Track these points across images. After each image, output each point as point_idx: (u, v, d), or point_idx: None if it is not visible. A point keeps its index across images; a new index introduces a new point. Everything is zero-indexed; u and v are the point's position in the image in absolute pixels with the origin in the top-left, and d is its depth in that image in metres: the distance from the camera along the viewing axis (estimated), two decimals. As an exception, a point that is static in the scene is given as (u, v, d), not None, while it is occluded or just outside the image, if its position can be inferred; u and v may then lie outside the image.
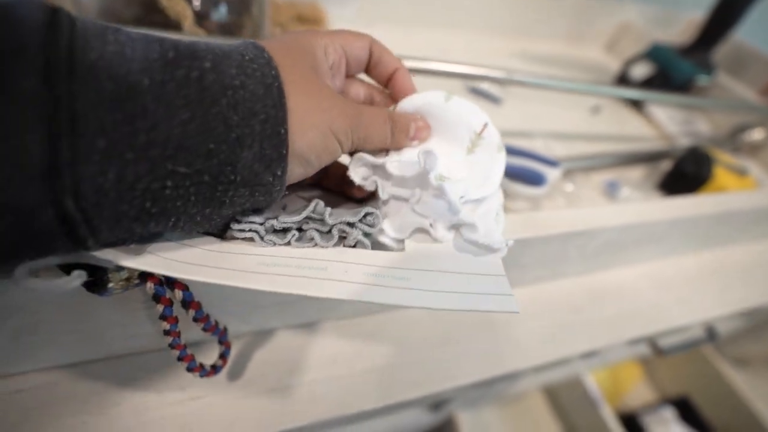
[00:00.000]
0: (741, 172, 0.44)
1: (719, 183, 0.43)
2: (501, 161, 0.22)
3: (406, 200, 0.21)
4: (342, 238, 0.19)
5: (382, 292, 0.16)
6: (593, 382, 0.77)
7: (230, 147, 0.14)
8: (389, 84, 0.23)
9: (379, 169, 0.21)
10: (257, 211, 0.18)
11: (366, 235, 0.19)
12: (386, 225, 0.20)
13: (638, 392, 0.92)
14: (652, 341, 0.56)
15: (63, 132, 0.11)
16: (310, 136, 0.17)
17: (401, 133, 0.22)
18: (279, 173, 0.16)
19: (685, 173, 0.45)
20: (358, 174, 0.21)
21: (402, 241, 0.20)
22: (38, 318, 0.19)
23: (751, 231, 0.42)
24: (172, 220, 0.14)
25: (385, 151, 0.22)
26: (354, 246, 0.19)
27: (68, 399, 0.22)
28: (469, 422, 0.70)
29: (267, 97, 0.15)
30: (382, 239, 0.20)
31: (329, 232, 0.19)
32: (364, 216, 0.19)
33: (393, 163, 0.20)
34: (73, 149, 0.11)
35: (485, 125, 0.22)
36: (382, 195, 0.21)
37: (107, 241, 0.13)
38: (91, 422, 0.21)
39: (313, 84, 0.18)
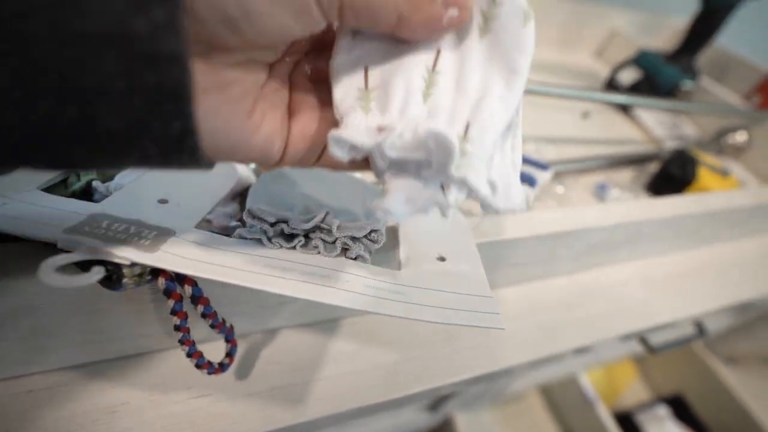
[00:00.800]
0: (723, 173, 0.46)
1: (703, 184, 0.44)
2: (528, 39, 0.15)
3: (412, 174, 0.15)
4: (344, 250, 0.20)
5: (382, 304, 0.17)
6: (588, 381, 0.78)
7: None
8: None
9: (373, 153, 0.15)
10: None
11: (368, 250, 0.20)
12: (392, 202, 0.14)
13: (633, 391, 0.93)
14: (643, 339, 0.57)
15: None
16: None
17: None
18: (160, 18, 0.10)
19: (671, 175, 0.47)
20: (342, 155, 0.15)
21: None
22: (52, 319, 0.20)
23: (734, 229, 0.43)
24: None
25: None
26: (355, 259, 0.20)
27: (79, 398, 0.22)
28: (466, 423, 0.71)
29: None
30: (388, 208, 0.14)
31: (333, 243, 0.20)
32: (369, 233, 0.20)
33: (391, 144, 0.14)
34: None
35: None
36: (380, 170, 0.15)
37: None
38: (101, 420, 0.22)
39: None
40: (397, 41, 0.16)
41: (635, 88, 0.64)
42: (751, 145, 0.61)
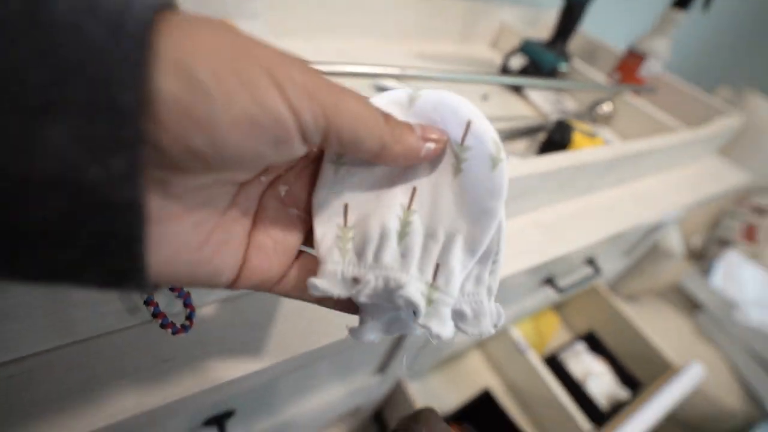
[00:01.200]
0: (591, 135, 0.56)
1: (576, 145, 0.54)
2: (498, 182, 0.16)
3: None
4: None
5: None
6: (519, 333, 0.89)
7: (19, 119, 0.09)
8: None
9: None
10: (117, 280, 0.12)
11: None
12: (366, 332, 0.17)
13: (558, 337, 1.06)
14: (552, 282, 0.67)
15: None
16: (213, 88, 0.11)
17: (400, 127, 0.15)
18: (118, 168, 0.10)
19: (554, 141, 0.56)
20: (318, 295, 0.17)
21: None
22: (18, 301, 0.21)
23: (604, 179, 0.54)
24: None
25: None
26: None
27: (46, 383, 0.24)
28: (416, 388, 0.77)
29: (112, 43, 0.09)
30: (360, 337, 0.17)
31: None
32: None
33: (365, 295, 0.16)
34: None
35: (467, 126, 0.17)
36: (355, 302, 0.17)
37: None
38: (69, 398, 0.24)
39: (243, 36, 0.12)
40: (376, 178, 0.17)
41: (524, 72, 0.74)
42: (616, 112, 0.74)
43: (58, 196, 0.09)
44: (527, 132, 0.62)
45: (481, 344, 0.94)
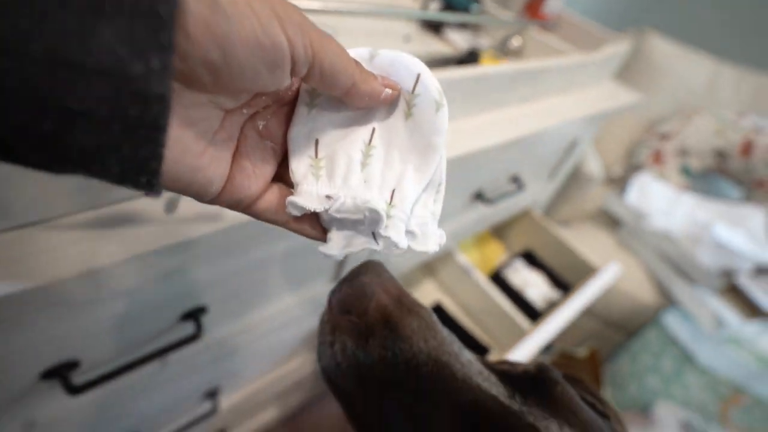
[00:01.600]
0: (496, 58, 0.65)
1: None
2: (441, 123, 0.20)
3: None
4: None
5: None
6: (464, 257, 0.99)
7: (78, 16, 0.11)
8: None
9: (321, 213, 0.20)
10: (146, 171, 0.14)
11: None
12: (333, 248, 0.20)
13: (501, 261, 1.19)
14: (482, 196, 0.77)
15: None
16: (229, 10, 0.13)
17: (367, 72, 0.19)
18: (156, 65, 0.12)
19: (464, 63, 0.65)
20: (296, 213, 0.20)
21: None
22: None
23: (510, 94, 0.63)
24: None
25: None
26: None
27: (23, 249, 0.29)
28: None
29: None
30: (328, 252, 0.20)
31: None
32: None
33: (336, 209, 0.19)
34: None
35: (417, 77, 0.20)
36: (326, 223, 0.21)
37: None
38: (44, 262, 0.29)
39: None
40: (342, 119, 0.20)
41: (441, 15, 0.82)
42: (525, 47, 0.84)
43: (105, 83, 0.12)
44: (443, 62, 0.70)
45: (432, 271, 1.05)
